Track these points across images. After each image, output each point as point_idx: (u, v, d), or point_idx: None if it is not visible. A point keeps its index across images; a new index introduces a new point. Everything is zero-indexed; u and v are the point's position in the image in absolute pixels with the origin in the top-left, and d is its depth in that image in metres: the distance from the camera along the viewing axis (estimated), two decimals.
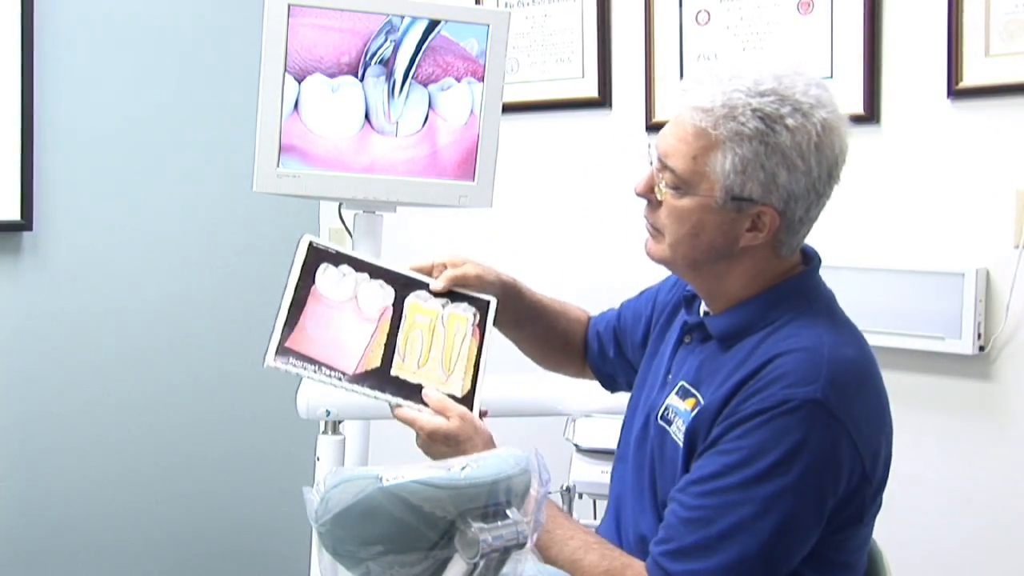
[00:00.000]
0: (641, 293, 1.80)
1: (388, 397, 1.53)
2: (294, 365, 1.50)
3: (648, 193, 1.48)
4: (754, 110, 1.38)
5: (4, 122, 2.57)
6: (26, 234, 2.65)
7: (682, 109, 1.43)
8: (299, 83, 1.97)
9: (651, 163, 1.48)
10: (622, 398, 1.86)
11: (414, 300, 1.65)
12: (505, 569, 1.15)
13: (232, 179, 2.84)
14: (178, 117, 2.89)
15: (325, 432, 2.05)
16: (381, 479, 1.12)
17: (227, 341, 2.98)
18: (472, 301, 1.68)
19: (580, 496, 2.14)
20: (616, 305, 1.86)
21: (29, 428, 2.70)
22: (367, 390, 1.53)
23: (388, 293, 1.64)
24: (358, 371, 1.54)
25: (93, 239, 2.77)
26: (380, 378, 1.54)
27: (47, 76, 2.65)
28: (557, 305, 1.86)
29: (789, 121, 1.38)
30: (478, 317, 1.67)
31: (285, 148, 1.98)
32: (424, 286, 1.66)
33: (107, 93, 2.77)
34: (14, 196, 2.59)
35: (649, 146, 1.50)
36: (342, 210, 2.14)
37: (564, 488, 2.11)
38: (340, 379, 1.52)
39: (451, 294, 1.67)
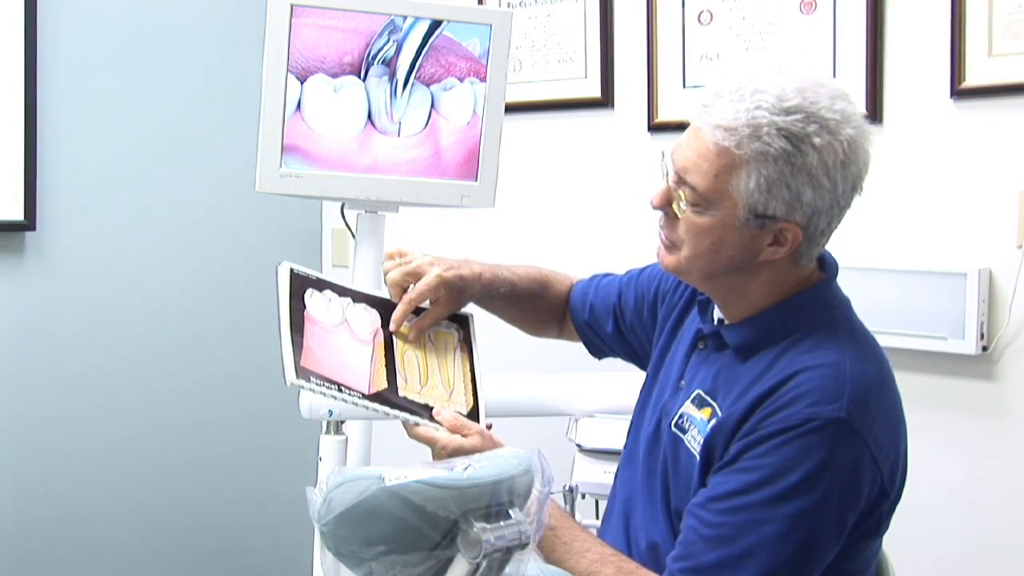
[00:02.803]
0: (643, 270, 1.77)
1: (406, 416, 1.54)
2: (317, 384, 1.50)
3: (665, 207, 1.45)
4: (779, 129, 1.34)
5: (7, 122, 2.57)
6: (29, 234, 2.66)
7: (703, 125, 1.38)
8: (302, 83, 1.97)
9: (665, 175, 1.45)
10: (625, 399, 1.85)
11: None
12: (508, 569, 1.15)
13: (234, 179, 2.84)
14: (181, 117, 2.89)
15: (327, 432, 2.04)
16: (384, 479, 1.13)
17: (230, 341, 2.98)
18: (453, 317, 1.71)
19: (583, 496, 2.13)
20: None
21: (31, 428, 2.71)
22: (387, 409, 1.53)
23: (374, 316, 1.65)
24: (371, 391, 1.54)
25: (96, 239, 2.77)
26: (391, 398, 1.55)
27: (50, 76, 2.65)
28: (535, 287, 1.84)
29: (816, 140, 1.35)
30: (461, 332, 1.70)
31: (287, 148, 1.98)
32: None
33: (110, 93, 2.77)
34: (17, 196, 2.60)
35: (663, 155, 1.47)
36: (345, 210, 2.14)
37: (567, 488, 2.10)
38: (360, 397, 1.52)
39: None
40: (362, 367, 1.56)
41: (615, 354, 1.83)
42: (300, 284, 1.61)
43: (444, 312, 1.70)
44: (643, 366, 1.73)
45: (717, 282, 1.47)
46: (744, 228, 1.39)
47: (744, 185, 1.37)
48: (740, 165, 1.36)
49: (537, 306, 1.85)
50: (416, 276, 1.68)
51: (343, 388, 1.52)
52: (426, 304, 1.69)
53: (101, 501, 2.81)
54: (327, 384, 1.50)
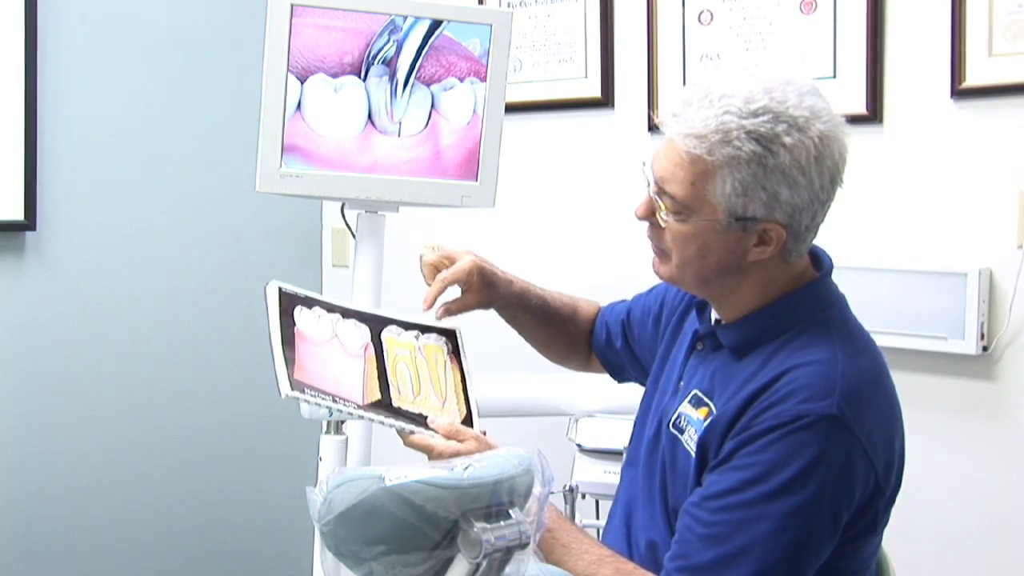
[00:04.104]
0: (651, 289, 1.80)
1: (402, 424, 1.55)
2: (311, 396, 1.51)
3: (649, 217, 1.47)
4: (748, 132, 1.35)
5: (7, 122, 2.57)
6: (29, 234, 2.66)
7: (673, 135, 1.40)
8: (302, 83, 1.97)
9: (648, 185, 1.46)
10: (625, 399, 1.85)
11: (388, 335, 1.69)
12: (508, 569, 1.15)
13: (235, 179, 2.84)
14: (181, 117, 2.89)
15: (327, 432, 2.04)
16: (384, 479, 1.12)
17: (230, 341, 2.98)
18: (440, 331, 1.73)
19: (583, 496, 2.13)
20: (623, 298, 1.86)
21: (32, 428, 2.71)
22: (382, 417, 1.54)
23: (364, 331, 1.67)
24: (365, 402, 1.56)
25: (96, 239, 2.77)
26: (386, 408, 1.56)
27: (50, 76, 2.65)
28: (566, 311, 1.87)
29: (786, 140, 1.36)
30: (450, 345, 1.72)
31: (288, 148, 1.98)
32: (392, 322, 1.71)
33: (110, 93, 2.77)
34: (17, 196, 2.60)
35: (644, 164, 1.48)
36: (345, 210, 2.14)
37: (567, 488, 2.10)
38: (356, 407, 1.54)
39: (418, 325, 1.72)
40: (355, 379, 1.58)
41: (631, 374, 1.84)
42: (289, 302, 1.62)
43: (473, 302, 1.75)
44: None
45: (711, 286, 1.48)
46: (727, 232, 1.40)
47: (720, 190, 1.38)
48: (714, 171, 1.37)
49: (569, 330, 1.88)
50: (451, 260, 1.75)
51: (337, 399, 1.53)
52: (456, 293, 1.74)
53: (101, 501, 2.81)
54: (322, 395, 1.52)
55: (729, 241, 1.41)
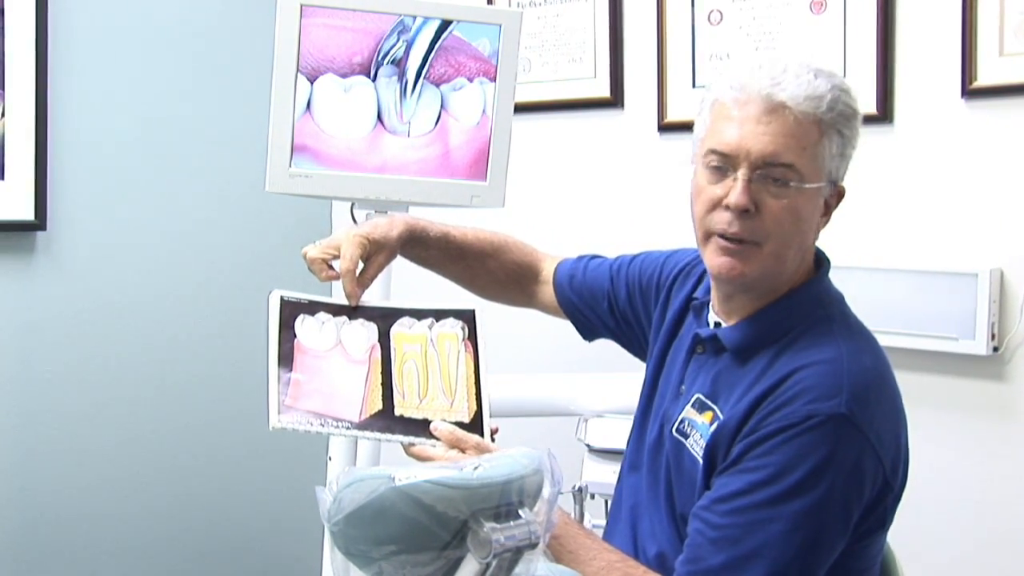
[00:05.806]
0: (632, 261, 1.76)
1: (400, 438, 1.53)
2: (300, 423, 1.49)
3: (750, 204, 1.39)
4: (842, 91, 1.40)
5: (18, 122, 2.58)
6: (39, 234, 2.66)
7: (786, 99, 1.37)
8: (311, 83, 1.97)
9: (732, 172, 1.40)
10: (634, 399, 1.85)
11: (398, 330, 1.64)
12: (517, 569, 1.15)
13: (244, 179, 2.85)
14: (191, 117, 2.90)
15: None
16: (394, 479, 1.12)
17: (239, 341, 2.98)
18: (457, 314, 1.67)
19: (592, 496, 2.13)
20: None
21: (41, 427, 2.71)
22: (377, 434, 1.53)
23: (371, 330, 1.63)
24: (363, 417, 1.53)
25: (106, 239, 2.78)
26: (386, 420, 1.54)
27: (61, 77, 2.66)
28: (485, 246, 1.84)
29: (858, 106, 1.43)
30: (467, 330, 1.67)
31: (297, 148, 1.98)
32: (404, 312, 1.65)
33: (120, 93, 2.78)
34: (28, 196, 2.60)
35: (712, 152, 1.41)
36: (354, 210, 2.14)
37: (576, 489, 2.10)
38: (348, 427, 1.52)
39: (433, 311, 1.66)
40: (355, 393, 1.55)
41: (607, 336, 1.82)
42: (291, 311, 1.59)
43: (384, 261, 1.69)
44: (635, 353, 1.74)
45: (781, 271, 1.44)
46: (818, 199, 1.42)
47: (827, 152, 1.40)
48: (824, 132, 1.39)
49: (489, 267, 1.84)
50: (335, 247, 1.65)
51: (328, 420, 1.50)
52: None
53: (111, 500, 2.81)
54: (311, 418, 1.49)
55: (818, 209, 1.43)
